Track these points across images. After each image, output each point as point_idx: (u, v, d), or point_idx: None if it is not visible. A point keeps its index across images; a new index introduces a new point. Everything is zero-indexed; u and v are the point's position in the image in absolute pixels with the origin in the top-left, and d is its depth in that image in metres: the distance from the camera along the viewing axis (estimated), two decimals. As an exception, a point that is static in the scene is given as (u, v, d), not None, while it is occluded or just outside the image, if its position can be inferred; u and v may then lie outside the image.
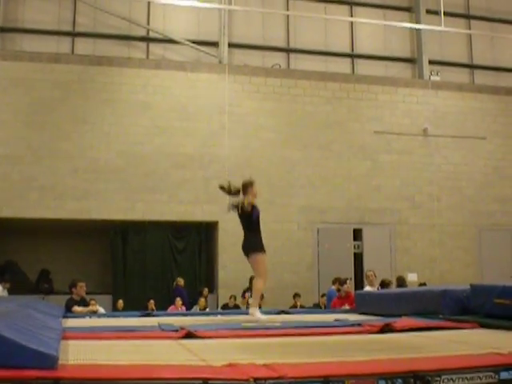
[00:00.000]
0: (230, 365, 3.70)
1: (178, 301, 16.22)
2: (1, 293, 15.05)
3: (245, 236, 8.40)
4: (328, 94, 19.33)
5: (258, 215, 8.34)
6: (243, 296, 16.28)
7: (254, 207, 8.30)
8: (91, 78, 17.77)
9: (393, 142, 19.52)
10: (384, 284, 13.15)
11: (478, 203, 19.87)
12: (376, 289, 12.77)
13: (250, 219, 8.30)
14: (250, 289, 16.15)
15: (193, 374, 3.48)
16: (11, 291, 15.40)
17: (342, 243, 18.74)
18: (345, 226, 18.79)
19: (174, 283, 17.37)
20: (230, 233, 15.97)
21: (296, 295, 16.95)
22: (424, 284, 15.93)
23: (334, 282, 14.57)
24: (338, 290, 13.65)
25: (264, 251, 8.30)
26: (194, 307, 16.49)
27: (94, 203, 17.24)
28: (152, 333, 6.08)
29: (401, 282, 14.17)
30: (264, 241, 8.40)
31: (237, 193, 8.43)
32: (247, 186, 8.42)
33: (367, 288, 12.93)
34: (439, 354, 4.49)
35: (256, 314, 8.05)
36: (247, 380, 3.39)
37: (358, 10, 20.78)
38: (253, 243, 8.28)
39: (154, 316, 9.36)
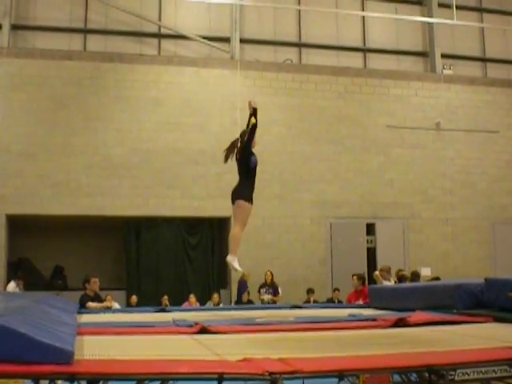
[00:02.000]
0: (244, 359, 3.70)
1: (192, 297, 16.27)
2: (13, 289, 15.12)
3: (237, 183, 8.35)
4: (340, 89, 19.29)
5: (255, 163, 8.28)
6: (259, 291, 16.29)
7: (252, 154, 8.26)
8: (103, 75, 17.83)
9: (405, 136, 19.47)
10: (402, 278, 13.10)
11: (491, 197, 19.80)
12: (393, 283, 12.73)
13: (246, 165, 8.24)
14: (265, 284, 16.27)
15: (208, 368, 3.49)
16: (25, 288, 15.47)
17: (355, 238, 18.71)
18: (358, 220, 18.77)
19: (240, 277, 17.30)
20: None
21: (310, 290, 16.95)
22: (437, 278, 15.86)
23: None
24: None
25: (251, 202, 8.25)
26: (208, 303, 16.54)
27: (107, 199, 17.29)
28: (166, 328, 6.09)
29: (414, 276, 14.11)
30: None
31: (234, 145, 8.38)
32: (244, 134, 8.33)
33: (385, 283, 12.90)
34: (454, 348, 4.48)
35: (233, 263, 8.13)
36: (262, 374, 3.39)
37: (369, 3, 20.69)
38: (243, 191, 8.20)
39: (168, 311, 9.38)
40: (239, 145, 8.25)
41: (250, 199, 8.22)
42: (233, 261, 8.17)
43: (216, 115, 18.19)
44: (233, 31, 19.07)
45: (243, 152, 8.20)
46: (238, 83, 18.34)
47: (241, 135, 8.31)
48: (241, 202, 8.19)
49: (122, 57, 18.10)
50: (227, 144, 8.38)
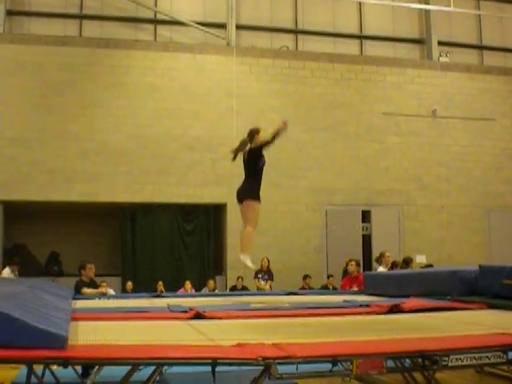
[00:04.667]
0: (238, 344, 3.70)
1: (188, 283, 16.30)
2: (8, 275, 15.12)
3: (244, 182, 8.38)
4: (336, 76, 19.26)
5: (263, 164, 8.33)
6: (256, 277, 16.29)
7: (262, 155, 8.31)
8: (99, 61, 17.75)
9: (401, 124, 19.46)
10: (394, 265, 13.12)
11: (486, 184, 19.82)
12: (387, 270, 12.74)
13: (254, 166, 8.28)
14: (261, 270, 16.29)
15: (202, 353, 3.49)
16: (20, 274, 15.47)
17: (351, 225, 18.72)
18: (353, 207, 18.77)
19: None
20: (239, 215, 15.93)
21: (306, 276, 17.01)
22: (430, 266, 15.83)
23: (376, 260, 14.15)
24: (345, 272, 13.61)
25: (259, 200, 8.29)
26: (203, 289, 16.57)
27: (102, 186, 17.27)
28: (161, 313, 6.09)
29: (405, 263, 14.09)
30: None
31: (244, 144, 8.46)
32: (253, 134, 8.41)
33: (381, 268, 12.90)
34: (447, 334, 4.49)
35: (246, 261, 8.14)
36: (256, 359, 3.39)
37: (366, -10, 20.64)
38: (251, 190, 8.24)
39: (163, 297, 9.38)
40: (248, 145, 8.29)
41: (258, 198, 8.30)
42: (246, 259, 8.17)
43: (212, 101, 18.15)
44: (229, 17, 19.00)
45: (254, 153, 8.25)
46: (234, 69, 18.29)
47: (248, 135, 8.36)
48: (250, 201, 8.24)
49: (118, 43, 18.03)
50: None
